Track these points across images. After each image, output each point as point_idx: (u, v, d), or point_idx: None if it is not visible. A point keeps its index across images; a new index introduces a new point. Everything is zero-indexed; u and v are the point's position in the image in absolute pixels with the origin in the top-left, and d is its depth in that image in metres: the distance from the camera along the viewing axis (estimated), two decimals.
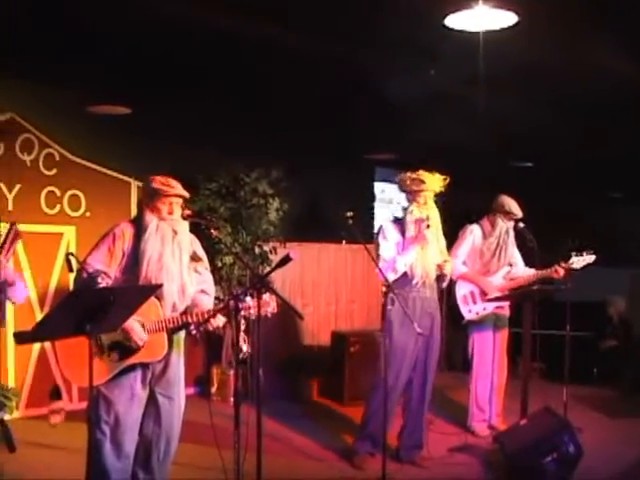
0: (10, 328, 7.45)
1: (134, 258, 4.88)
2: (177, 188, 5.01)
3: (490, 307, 7.23)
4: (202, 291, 5.21)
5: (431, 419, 6.76)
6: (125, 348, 4.80)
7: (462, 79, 7.47)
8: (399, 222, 6.39)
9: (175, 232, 4.96)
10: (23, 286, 4.96)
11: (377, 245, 6.37)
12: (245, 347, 7.63)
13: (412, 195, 6.35)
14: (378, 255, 6.31)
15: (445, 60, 7.03)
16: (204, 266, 5.27)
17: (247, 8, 5.76)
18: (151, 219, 4.96)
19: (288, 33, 6.32)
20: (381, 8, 5.83)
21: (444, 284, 6.50)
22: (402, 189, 6.47)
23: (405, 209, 6.41)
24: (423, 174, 6.31)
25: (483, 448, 6.95)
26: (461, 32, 6.17)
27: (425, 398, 6.50)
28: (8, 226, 4.16)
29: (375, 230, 6.79)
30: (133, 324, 4.69)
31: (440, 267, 6.29)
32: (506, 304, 7.37)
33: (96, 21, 6.12)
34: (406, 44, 6.66)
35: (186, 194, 5.07)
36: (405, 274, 6.23)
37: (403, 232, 6.31)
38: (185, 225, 5.07)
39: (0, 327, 7.16)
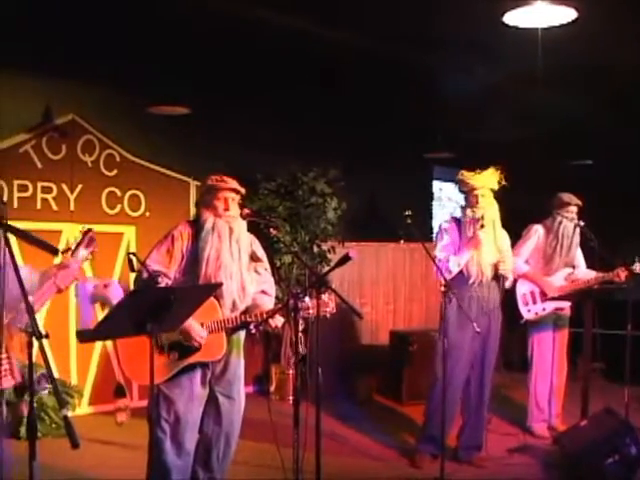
0: (72, 327, 7.57)
1: (193, 258, 4.91)
2: (231, 183, 5.02)
3: (550, 308, 7.15)
4: (262, 292, 5.21)
5: (489, 418, 6.70)
6: (184, 348, 4.84)
7: (521, 77, 7.42)
8: (458, 221, 6.35)
9: (231, 230, 4.96)
10: (117, 286, 4.87)
11: (436, 245, 6.35)
12: (301, 348, 7.65)
13: (466, 195, 6.32)
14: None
15: (504, 58, 6.99)
16: (264, 267, 5.28)
17: (302, 8, 5.81)
18: (207, 217, 4.98)
19: (350, 34, 6.35)
20: (440, 7, 5.83)
21: (507, 283, 6.42)
22: (459, 190, 6.46)
23: (463, 208, 6.38)
24: (467, 174, 6.26)
25: (542, 449, 6.88)
26: (519, 29, 6.13)
27: (483, 398, 6.43)
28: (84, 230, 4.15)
29: (434, 229, 6.75)
30: (191, 322, 4.71)
31: (495, 266, 6.23)
32: (568, 304, 7.28)
33: (155, 23, 6.20)
34: (464, 42, 6.64)
35: (241, 189, 5.08)
36: (461, 273, 6.17)
37: (461, 231, 6.27)
38: (243, 224, 5.06)
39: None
